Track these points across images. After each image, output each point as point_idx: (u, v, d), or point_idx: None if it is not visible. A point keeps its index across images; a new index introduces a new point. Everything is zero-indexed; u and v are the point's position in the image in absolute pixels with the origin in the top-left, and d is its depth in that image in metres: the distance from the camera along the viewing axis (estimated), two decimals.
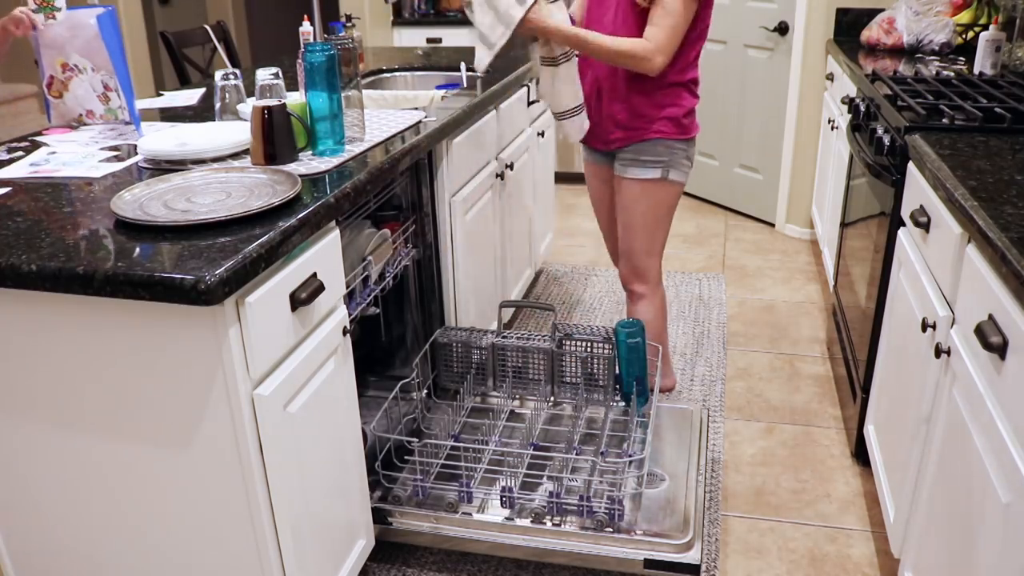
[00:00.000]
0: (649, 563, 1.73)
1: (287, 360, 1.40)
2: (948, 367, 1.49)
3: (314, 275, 1.46)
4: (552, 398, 2.21)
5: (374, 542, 1.83)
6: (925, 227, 1.70)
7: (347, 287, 1.68)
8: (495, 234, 2.66)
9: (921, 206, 1.75)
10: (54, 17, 1.89)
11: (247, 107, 1.94)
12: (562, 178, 4.72)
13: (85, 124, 2.05)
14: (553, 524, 1.79)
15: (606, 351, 2.13)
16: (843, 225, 2.78)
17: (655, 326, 2.23)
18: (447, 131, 2.11)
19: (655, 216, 2.13)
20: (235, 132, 1.80)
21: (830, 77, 3.52)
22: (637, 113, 2.05)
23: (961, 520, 1.38)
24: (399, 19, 5.24)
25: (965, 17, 3.15)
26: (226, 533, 1.39)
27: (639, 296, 2.21)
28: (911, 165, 1.88)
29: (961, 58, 2.98)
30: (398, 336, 2.43)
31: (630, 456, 1.91)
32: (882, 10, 3.32)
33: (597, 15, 2.08)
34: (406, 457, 1.93)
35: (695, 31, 2.00)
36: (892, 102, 2.13)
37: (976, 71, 2.59)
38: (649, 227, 2.13)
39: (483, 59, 2.04)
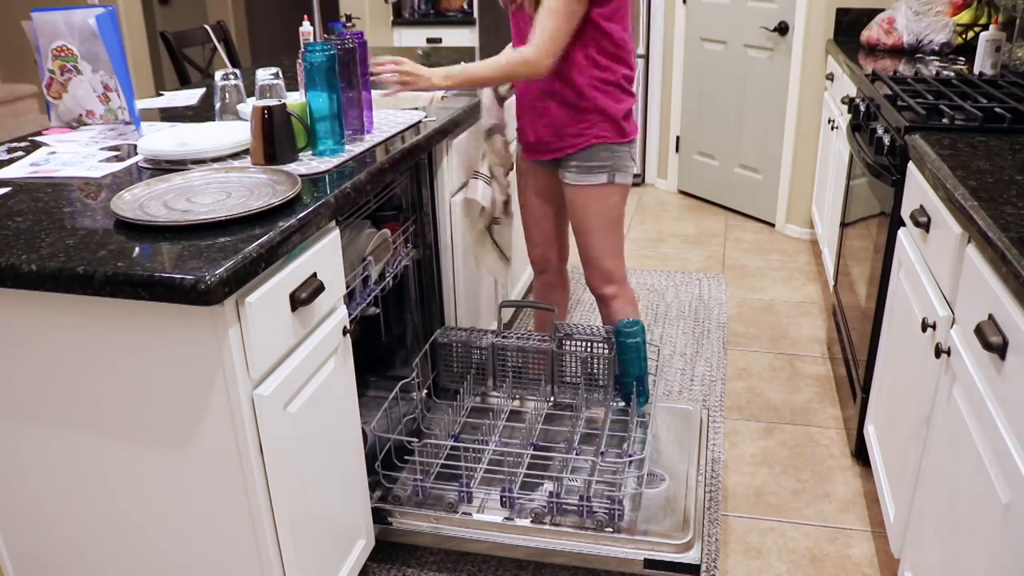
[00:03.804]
0: (649, 563, 1.73)
1: (287, 360, 1.41)
2: (948, 367, 1.49)
3: (314, 275, 1.46)
4: (552, 398, 2.20)
5: (374, 542, 1.83)
6: (925, 227, 1.70)
7: (347, 287, 1.68)
8: None
9: (921, 206, 1.75)
10: None
11: (247, 107, 1.94)
12: None
13: (85, 124, 2.05)
14: (553, 524, 1.79)
15: (606, 351, 2.13)
16: (843, 225, 2.78)
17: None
18: (447, 131, 2.11)
19: (608, 220, 2.14)
20: (235, 132, 1.80)
21: (830, 77, 3.52)
22: (580, 119, 2.04)
23: (961, 520, 1.38)
24: (399, 19, 5.24)
25: (965, 17, 3.15)
26: (226, 533, 1.39)
27: (612, 297, 2.22)
28: (911, 165, 1.88)
29: (961, 58, 2.98)
30: (398, 336, 2.43)
31: (630, 456, 1.91)
32: (882, 10, 3.32)
33: (520, 33, 2.09)
34: (406, 457, 1.93)
35: (608, 14, 1.94)
36: (892, 102, 2.13)
37: (976, 71, 2.59)
38: (605, 231, 2.15)
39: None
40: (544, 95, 2.07)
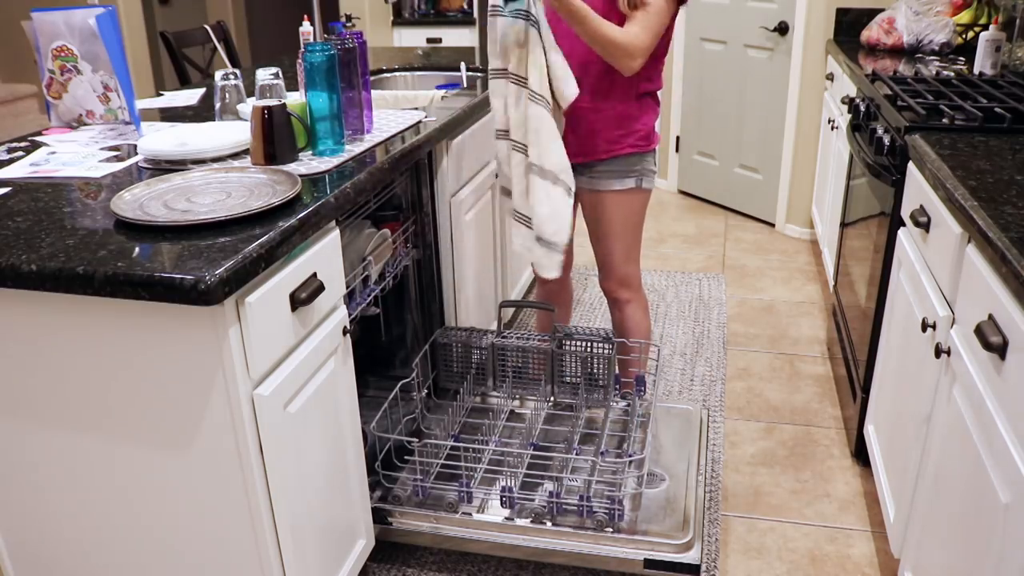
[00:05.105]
0: (649, 563, 1.73)
1: (287, 360, 1.40)
2: (948, 367, 1.49)
3: (314, 275, 1.46)
4: (552, 398, 2.20)
5: (374, 542, 1.83)
6: (925, 227, 1.70)
7: (347, 287, 1.68)
8: (495, 234, 2.66)
9: (921, 206, 1.75)
10: None
11: (247, 107, 1.94)
12: None
13: (85, 124, 2.05)
14: (553, 524, 1.79)
15: (606, 351, 2.13)
16: (843, 225, 2.78)
17: (645, 326, 2.24)
18: (447, 131, 2.11)
19: (632, 224, 2.14)
20: (235, 132, 1.80)
21: (830, 77, 3.52)
22: (619, 126, 2.03)
23: (961, 520, 1.38)
24: (399, 19, 5.24)
25: (965, 17, 3.15)
26: (226, 533, 1.39)
27: (626, 301, 2.22)
28: (911, 165, 1.88)
29: (961, 58, 2.98)
30: (398, 336, 2.43)
31: (630, 456, 1.91)
32: (882, 10, 3.32)
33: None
34: (406, 457, 1.93)
35: (666, 38, 1.97)
36: (892, 102, 2.13)
37: (976, 71, 2.59)
38: (627, 236, 2.15)
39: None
40: (589, 97, 1.98)
